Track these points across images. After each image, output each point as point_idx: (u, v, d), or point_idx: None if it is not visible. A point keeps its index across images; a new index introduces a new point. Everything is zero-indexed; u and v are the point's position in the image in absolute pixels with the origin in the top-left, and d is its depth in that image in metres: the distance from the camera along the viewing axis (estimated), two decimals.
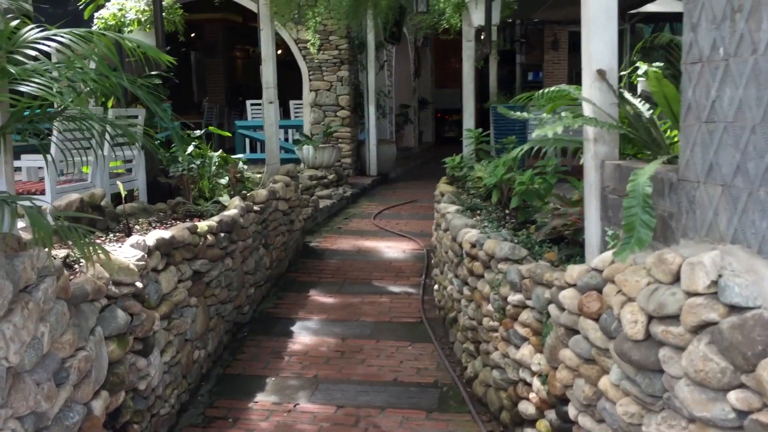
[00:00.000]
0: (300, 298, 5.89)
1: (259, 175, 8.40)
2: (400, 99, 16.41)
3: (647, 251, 2.39)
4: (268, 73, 7.18)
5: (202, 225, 4.43)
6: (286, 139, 12.50)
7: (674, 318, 2.09)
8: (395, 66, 15.49)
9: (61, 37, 2.36)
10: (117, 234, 4.26)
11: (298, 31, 11.41)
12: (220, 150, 7.70)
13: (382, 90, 13.16)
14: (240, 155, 8.27)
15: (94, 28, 5.97)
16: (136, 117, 6.19)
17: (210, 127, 7.95)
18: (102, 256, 2.64)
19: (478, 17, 5.21)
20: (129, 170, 6.21)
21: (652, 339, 2.19)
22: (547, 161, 4.58)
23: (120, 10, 6.08)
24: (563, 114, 3.18)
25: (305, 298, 5.89)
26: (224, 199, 5.65)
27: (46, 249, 2.37)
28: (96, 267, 3.02)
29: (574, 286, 2.85)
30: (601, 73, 2.92)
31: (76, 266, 3.30)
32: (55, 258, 2.67)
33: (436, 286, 5.63)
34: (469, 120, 7.14)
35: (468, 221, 4.63)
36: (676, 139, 3.02)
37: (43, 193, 5.13)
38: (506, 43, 21.16)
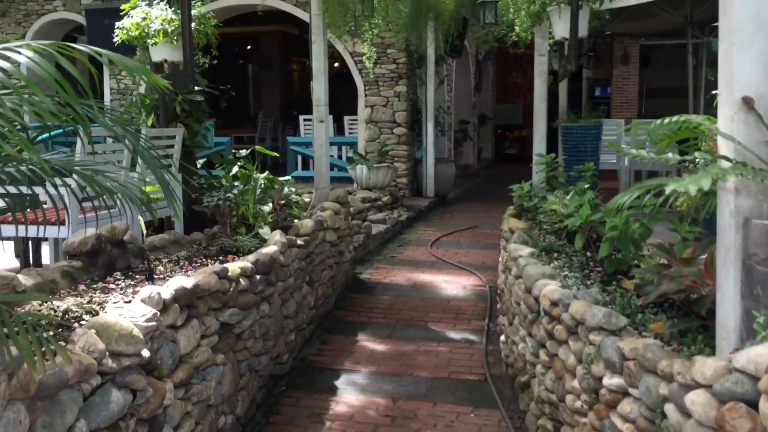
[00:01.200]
0: (347, 343, 5.23)
1: (307, 198, 7.83)
2: (459, 115, 15.70)
3: None
4: (319, 89, 6.60)
5: (234, 267, 3.81)
6: (340, 156, 11.95)
7: None
8: (455, 80, 14.80)
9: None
10: (137, 277, 3.69)
11: (354, 44, 10.86)
12: (266, 172, 7.15)
13: (441, 106, 12.48)
14: (287, 177, 7.70)
15: (115, 39, 5.48)
16: (173, 137, 5.66)
17: (257, 147, 7.41)
18: (59, 356, 1.98)
19: (561, 28, 4.47)
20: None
21: None
22: (644, 200, 3.83)
23: (144, 19, 5.51)
24: (697, 156, 2.44)
25: (353, 343, 5.23)
26: (264, 231, 5.06)
27: None
28: (89, 336, 2.42)
29: (707, 387, 2.11)
30: (748, 102, 2.17)
31: (76, 325, 2.72)
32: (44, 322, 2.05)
33: (502, 337, 4.90)
34: (540, 143, 6.39)
35: (545, 269, 3.89)
36: None
37: (63, 223, 4.63)
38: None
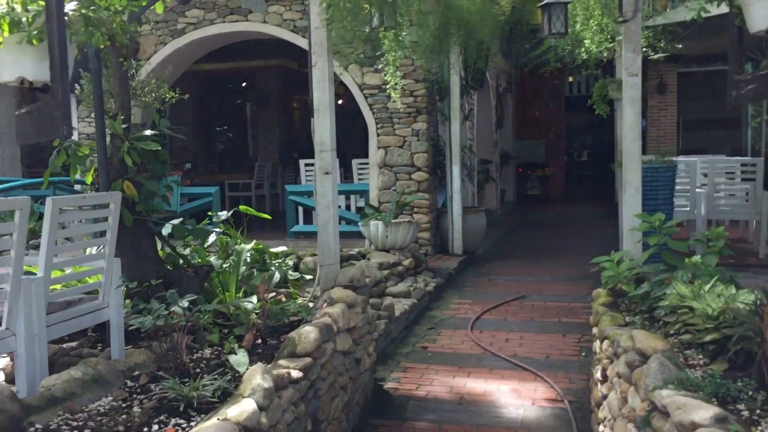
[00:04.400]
0: None
1: (310, 259, 5.92)
2: (480, 154, 13.89)
3: None
4: (323, 129, 4.79)
5: None
6: (348, 207, 10.13)
7: None
8: (476, 116, 13.05)
9: None
10: None
11: (363, 74, 9.10)
12: (253, 242, 5.31)
13: (465, 146, 10.68)
14: (282, 248, 5.85)
15: None
16: (107, 206, 3.80)
17: (241, 207, 5.58)
18: None
19: (763, 14, 2.69)
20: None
21: None
22: None
23: None
24: None
25: None
26: (238, 359, 3.19)
27: None
28: None
29: None
30: None
31: None
32: None
33: None
34: (634, 198, 4.52)
35: None
36: None
37: None
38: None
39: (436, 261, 8.80)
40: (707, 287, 3.46)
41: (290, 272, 5.30)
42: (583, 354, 5.46)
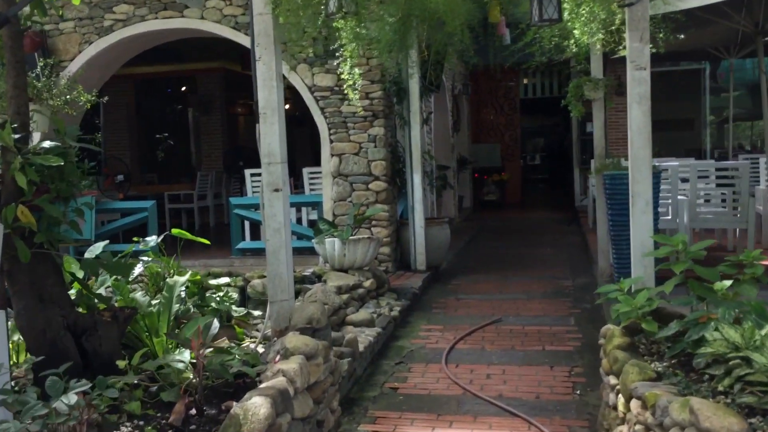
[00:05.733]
0: None
1: (258, 313, 5.01)
2: (437, 159, 13.16)
3: None
4: (272, 135, 3.95)
5: None
6: (299, 220, 9.28)
7: None
8: (433, 120, 12.33)
9: None
10: None
11: (313, 75, 8.26)
12: (189, 273, 4.42)
13: (425, 151, 9.93)
14: (224, 279, 4.97)
15: None
16: None
17: (174, 230, 4.67)
18: None
19: None
20: None
21: None
22: None
23: None
24: None
25: None
26: None
27: None
28: None
29: None
30: None
31: None
32: None
33: None
34: (644, 212, 3.82)
35: None
36: None
37: None
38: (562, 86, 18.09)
39: (399, 279, 8.01)
40: (764, 332, 2.75)
41: (234, 308, 4.42)
42: (577, 392, 4.74)
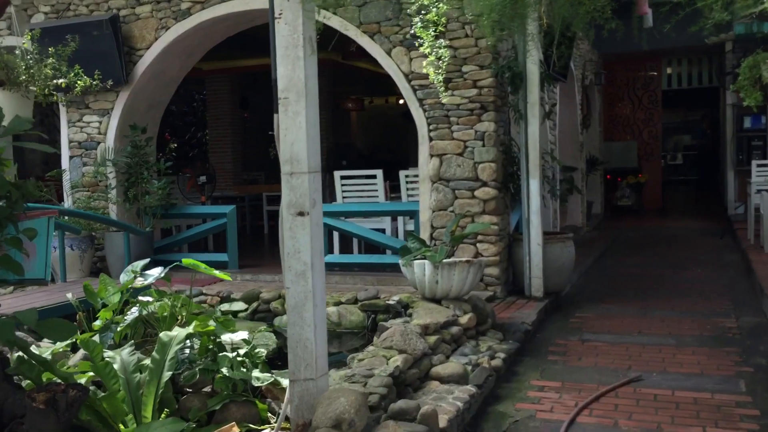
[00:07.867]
0: None
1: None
2: (562, 160, 11.42)
3: None
4: (297, 130, 2.63)
5: None
6: (395, 231, 8.00)
7: None
8: (558, 113, 10.64)
9: None
10: None
11: (411, 60, 6.87)
12: (195, 322, 3.19)
13: (546, 151, 8.31)
14: (240, 334, 3.70)
15: None
16: None
17: (185, 260, 3.47)
18: None
19: None
20: None
21: None
22: None
23: None
24: None
25: None
26: None
27: None
28: None
29: None
30: None
31: None
32: None
33: None
34: None
35: None
36: None
37: None
38: (714, 75, 15.76)
39: (508, 309, 6.49)
40: None
41: (257, 374, 3.13)
42: None
